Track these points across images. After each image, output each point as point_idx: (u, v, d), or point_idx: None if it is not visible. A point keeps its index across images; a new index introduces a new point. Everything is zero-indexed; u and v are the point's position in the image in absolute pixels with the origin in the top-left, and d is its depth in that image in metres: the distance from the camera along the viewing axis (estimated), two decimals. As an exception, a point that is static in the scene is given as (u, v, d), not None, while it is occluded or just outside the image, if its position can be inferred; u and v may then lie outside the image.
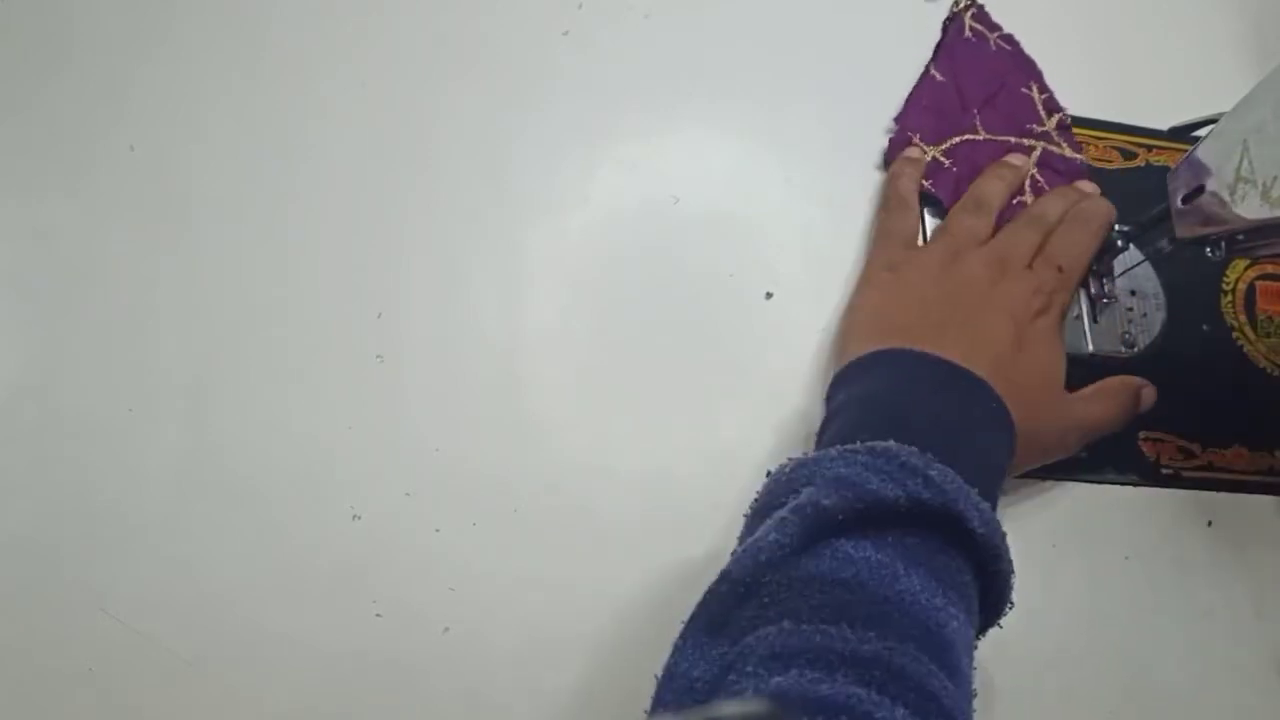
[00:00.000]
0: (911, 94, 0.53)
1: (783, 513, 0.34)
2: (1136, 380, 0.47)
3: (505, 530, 0.43)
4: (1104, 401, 0.46)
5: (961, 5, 0.55)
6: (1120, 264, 0.50)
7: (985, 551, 0.35)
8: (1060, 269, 0.46)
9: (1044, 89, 0.54)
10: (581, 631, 0.42)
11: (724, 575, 0.34)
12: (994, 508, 0.37)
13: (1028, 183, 0.51)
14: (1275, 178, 0.39)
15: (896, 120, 0.52)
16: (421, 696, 0.40)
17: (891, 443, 0.36)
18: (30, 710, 0.38)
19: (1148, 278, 0.52)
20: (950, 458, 0.35)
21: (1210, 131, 0.43)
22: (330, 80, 0.48)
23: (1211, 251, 0.43)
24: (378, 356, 0.44)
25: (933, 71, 0.53)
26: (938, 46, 0.54)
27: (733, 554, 0.35)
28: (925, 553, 0.34)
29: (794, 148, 0.52)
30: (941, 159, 0.51)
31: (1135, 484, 0.49)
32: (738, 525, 0.38)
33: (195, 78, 0.47)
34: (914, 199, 0.49)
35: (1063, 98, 0.55)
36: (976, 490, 0.35)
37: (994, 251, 0.46)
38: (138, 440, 0.42)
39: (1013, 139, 0.52)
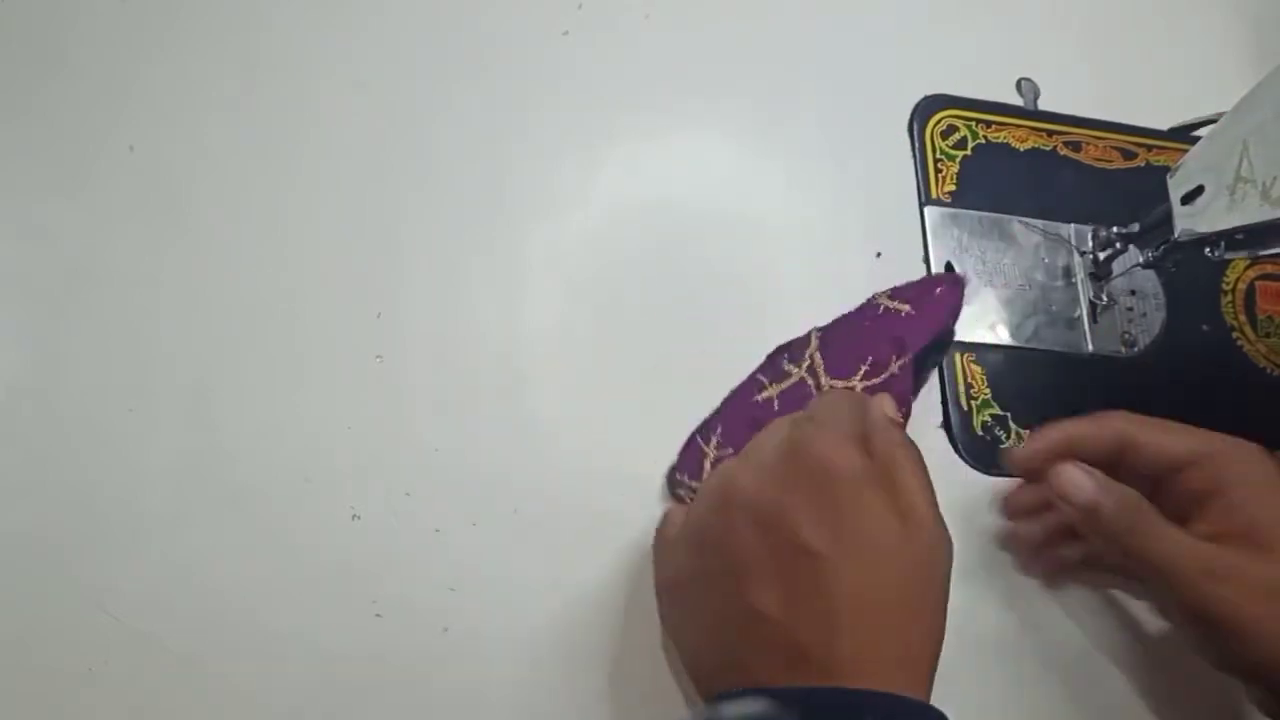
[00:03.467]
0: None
1: None
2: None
3: (505, 530, 0.43)
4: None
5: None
6: (1120, 264, 0.50)
7: None
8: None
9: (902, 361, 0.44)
10: (581, 632, 0.42)
11: None
12: None
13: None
14: (1275, 178, 0.39)
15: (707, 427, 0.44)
16: (421, 696, 0.40)
17: None
18: (30, 710, 0.38)
19: (1148, 278, 0.52)
20: None
21: (1210, 131, 0.43)
22: (330, 81, 0.48)
23: (1211, 251, 0.43)
24: (377, 356, 0.44)
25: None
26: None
27: None
28: None
29: (794, 148, 0.52)
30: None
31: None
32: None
33: (195, 78, 0.47)
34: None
35: (1063, 97, 0.55)
36: None
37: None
38: (138, 440, 0.42)
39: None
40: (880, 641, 0.32)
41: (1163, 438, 0.40)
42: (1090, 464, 0.39)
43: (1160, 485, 0.40)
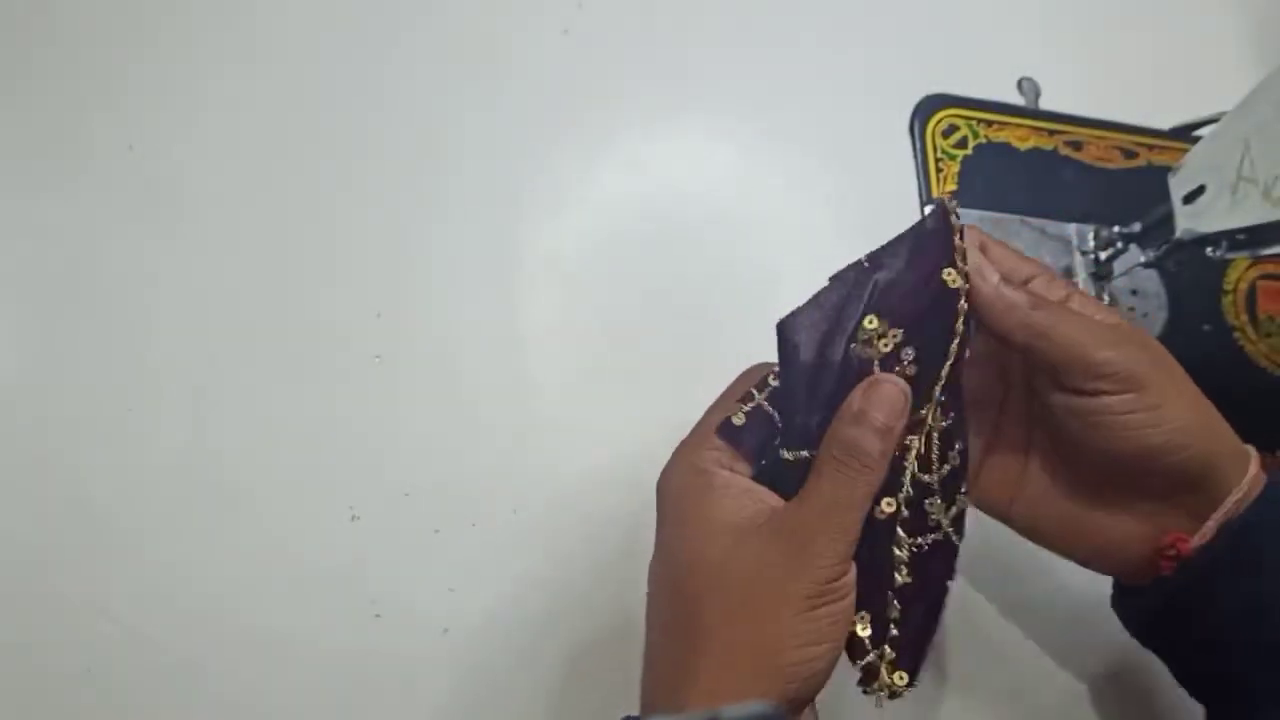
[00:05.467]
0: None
1: None
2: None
3: (505, 530, 0.43)
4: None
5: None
6: (1122, 264, 0.50)
7: None
8: None
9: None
10: (581, 632, 0.42)
11: None
12: None
13: None
14: (1276, 177, 0.39)
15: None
16: (421, 696, 0.40)
17: None
18: (30, 710, 0.38)
19: (1149, 277, 0.52)
20: None
21: (1212, 131, 0.43)
22: (330, 81, 0.48)
23: (1213, 251, 0.43)
24: (377, 356, 0.44)
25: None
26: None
27: None
28: None
29: (794, 147, 0.52)
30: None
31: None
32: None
33: (194, 78, 0.47)
34: None
35: (1063, 97, 0.55)
36: None
37: None
38: (137, 440, 0.41)
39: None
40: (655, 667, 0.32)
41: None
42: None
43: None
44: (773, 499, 0.32)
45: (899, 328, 0.33)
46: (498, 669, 0.41)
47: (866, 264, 0.34)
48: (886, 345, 0.32)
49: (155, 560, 0.40)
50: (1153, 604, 0.37)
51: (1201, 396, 0.35)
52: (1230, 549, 0.34)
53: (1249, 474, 0.35)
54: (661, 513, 0.34)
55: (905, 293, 0.33)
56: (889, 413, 0.32)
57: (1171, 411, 0.34)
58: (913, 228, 0.34)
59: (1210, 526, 0.34)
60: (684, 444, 0.34)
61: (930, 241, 0.34)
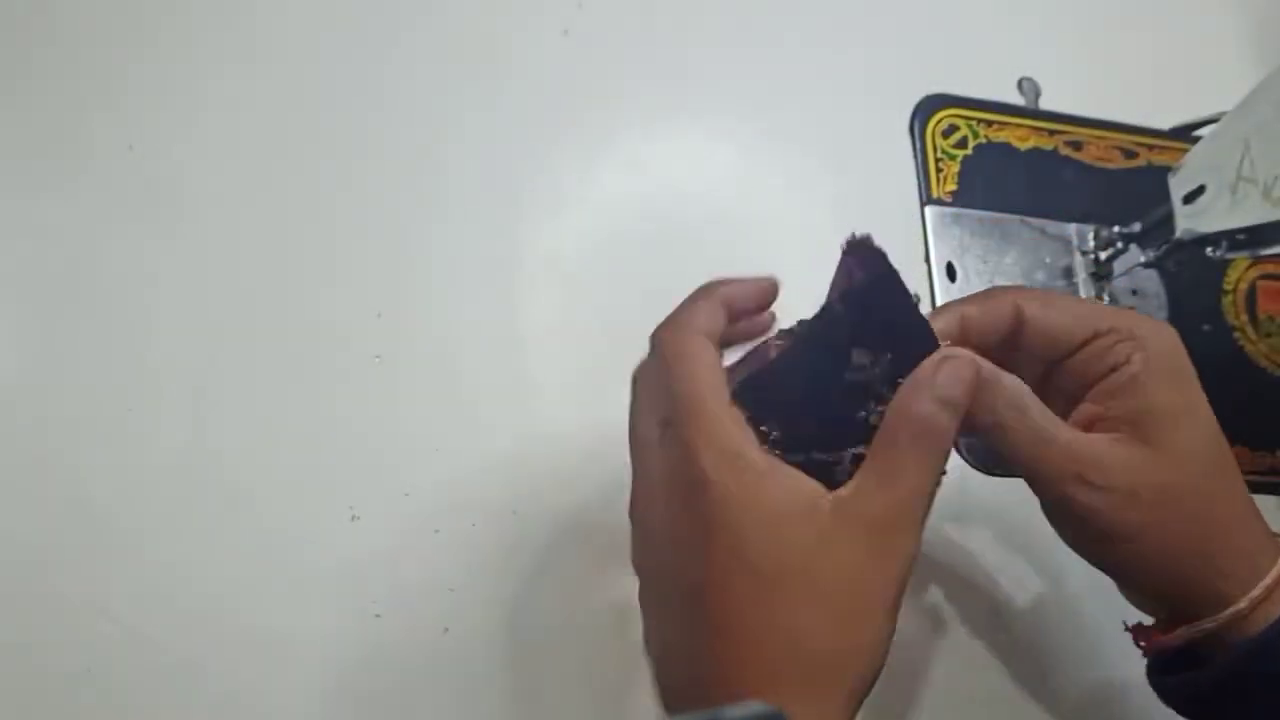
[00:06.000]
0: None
1: None
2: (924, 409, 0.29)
3: (505, 530, 0.43)
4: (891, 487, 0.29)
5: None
6: (1122, 264, 0.50)
7: None
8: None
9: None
10: (581, 632, 0.42)
11: None
12: None
13: None
14: (1276, 177, 0.39)
15: None
16: (421, 696, 0.40)
17: None
18: (30, 710, 0.38)
19: (1149, 278, 0.52)
20: None
21: (1212, 131, 0.43)
22: (329, 80, 0.48)
23: (1213, 251, 0.43)
24: (377, 356, 0.44)
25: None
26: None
27: None
28: None
29: (794, 147, 0.52)
30: None
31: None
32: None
33: (194, 77, 0.47)
34: None
35: (1063, 97, 0.55)
36: None
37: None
38: (137, 440, 0.41)
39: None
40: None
41: (1057, 314, 0.34)
42: (985, 347, 0.34)
43: (1057, 367, 0.35)
44: (811, 483, 0.29)
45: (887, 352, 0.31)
46: (497, 669, 0.41)
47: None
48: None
49: (155, 560, 0.40)
50: (1185, 687, 0.34)
51: (1207, 499, 0.32)
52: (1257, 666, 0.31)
53: (1269, 578, 0.32)
54: (687, 502, 0.29)
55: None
56: (965, 390, 0.30)
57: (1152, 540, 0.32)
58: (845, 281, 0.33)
59: (1180, 634, 0.33)
60: (697, 419, 0.29)
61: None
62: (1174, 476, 0.32)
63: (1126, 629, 0.36)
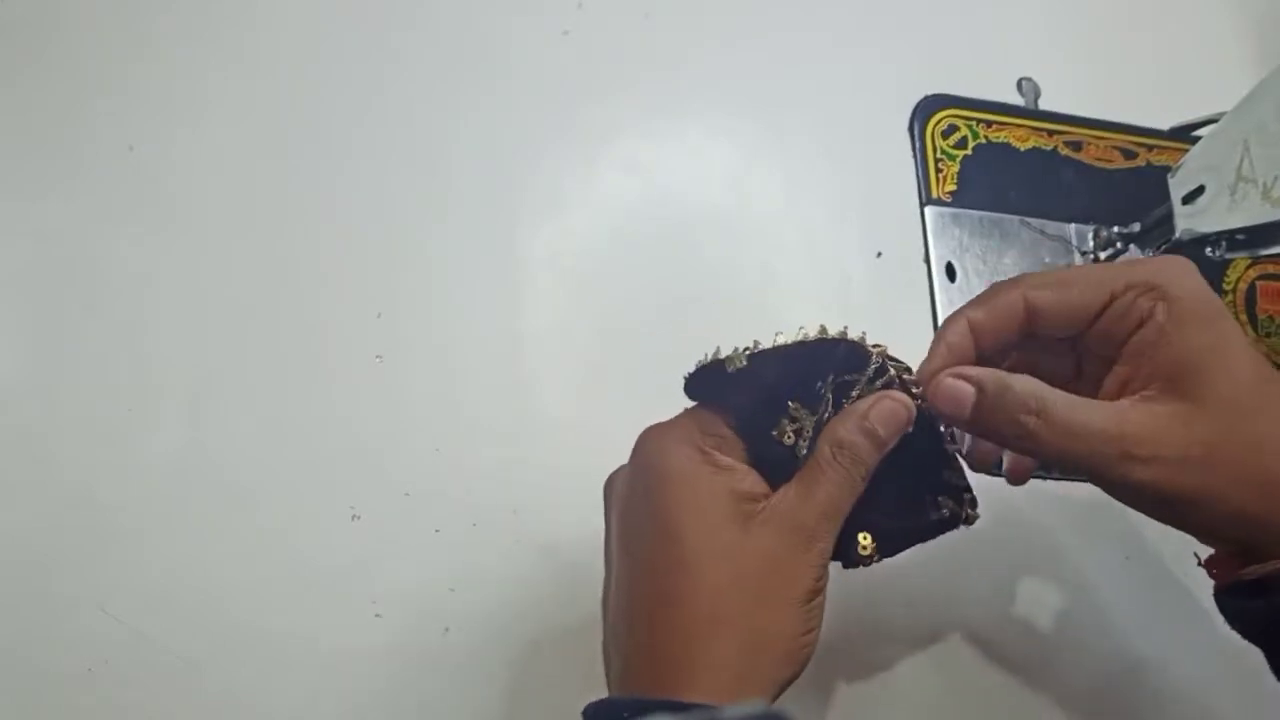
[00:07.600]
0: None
1: None
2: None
3: (505, 530, 0.43)
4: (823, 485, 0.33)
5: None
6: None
7: None
8: None
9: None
10: (581, 632, 0.42)
11: None
12: None
13: None
14: (1276, 177, 0.39)
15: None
16: (421, 696, 0.40)
17: None
18: (30, 710, 0.38)
19: (1148, 278, 0.51)
20: None
21: (1211, 131, 0.43)
22: (329, 81, 0.48)
23: (1212, 251, 0.43)
24: (377, 356, 0.44)
25: None
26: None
27: None
28: None
29: (794, 147, 0.52)
30: None
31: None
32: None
33: (194, 78, 0.47)
34: None
35: (1063, 97, 0.55)
36: None
37: None
38: (138, 440, 0.42)
39: None
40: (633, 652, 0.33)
41: (1067, 294, 0.34)
42: (1000, 347, 0.34)
43: (1084, 336, 0.34)
44: (762, 486, 0.33)
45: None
46: (497, 669, 0.41)
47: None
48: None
49: (156, 560, 0.40)
50: (1252, 608, 0.34)
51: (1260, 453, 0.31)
52: None
53: None
54: (653, 491, 0.33)
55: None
56: (891, 429, 0.33)
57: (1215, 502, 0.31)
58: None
59: (1253, 570, 0.32)
60: (675, 424, 0.35)
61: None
62: (1218, 427, 0.31)
63: (1199, 563, 0.35)
